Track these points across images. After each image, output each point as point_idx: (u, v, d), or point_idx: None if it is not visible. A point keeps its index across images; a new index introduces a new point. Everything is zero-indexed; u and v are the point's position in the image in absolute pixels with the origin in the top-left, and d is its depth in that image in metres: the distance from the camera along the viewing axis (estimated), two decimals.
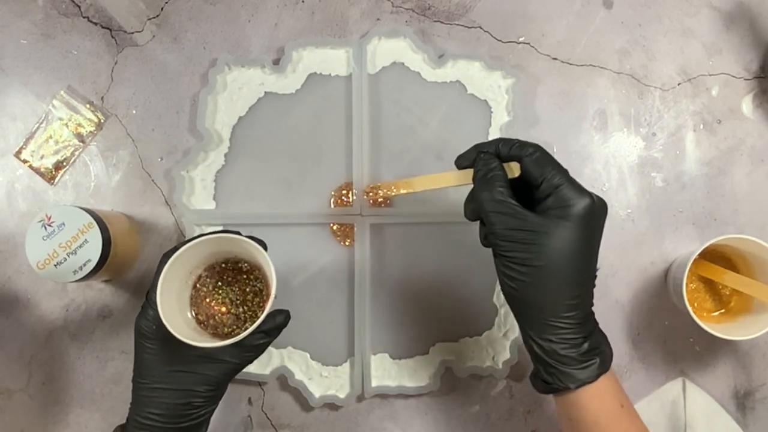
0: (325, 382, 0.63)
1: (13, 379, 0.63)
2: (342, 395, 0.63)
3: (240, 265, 0.52)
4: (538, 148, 0.46)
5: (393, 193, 0.54)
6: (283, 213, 0.64)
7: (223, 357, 0.49)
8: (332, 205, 0.64)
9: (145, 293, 0.63)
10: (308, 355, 0.64)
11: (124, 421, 0.50)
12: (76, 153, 0.65)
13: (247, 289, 0.52)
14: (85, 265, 0.56)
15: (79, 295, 0.64)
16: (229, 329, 0.51)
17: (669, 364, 0.65)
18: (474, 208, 0.47)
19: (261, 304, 0.51)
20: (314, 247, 0.64)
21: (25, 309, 0.64)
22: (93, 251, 0.56)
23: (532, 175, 0.45)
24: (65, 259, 0.56)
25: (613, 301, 0.65)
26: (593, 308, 0.46)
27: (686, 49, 0.67)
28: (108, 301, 0.64)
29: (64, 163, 0.65)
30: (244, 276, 0.52)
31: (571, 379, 0.44)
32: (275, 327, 0.49)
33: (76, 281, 0.56)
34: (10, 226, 0.64)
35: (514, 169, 0.46)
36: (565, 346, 0.44)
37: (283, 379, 0.63)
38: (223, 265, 0.51)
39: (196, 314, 0.50)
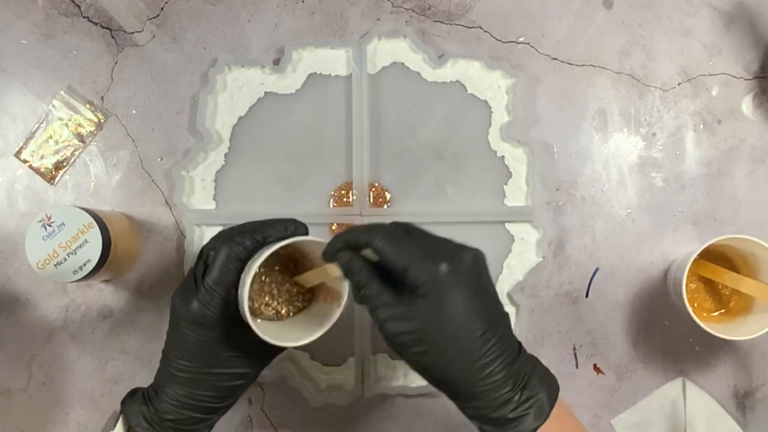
0: (325, 382, 0.63)
1: (13, 379, 0.63)
2: (342, 395, 0.63)
3: (291, 255, 0.53)
4: (379, 232, 0.44)
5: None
6: (283, 213, 0.64)
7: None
8: (332, 205, 0.64)
9: (144, 293, 0.64)
10: (308, 355, 0.64)
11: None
12: (76, 153, 0.65)
13: (289, 281, 0.53)
14: (85, 265, 0.56)
15: (79, 295, 0.64)
16: (270, 318, 0.51)
17: (669, 364, 0.65)
18: None
19: (297, 293, 0.52)
20: None
21: (25, 309, 0.64)
22: (93, 251, 0.56)
23: (385, 262, 0.43)
24: (65, 259, 0.56)
25: (613, 301, 0.65)
26: (519, 350, 0.44)
27: (686, 49, 0.67)
28: (108, 301, 0.64)
29: (64, 163, 0.65)
30: (291, 266, 0.53)
31: None
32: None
33: (76, 281, 0.56)
34: (10, 226, 0.64)
35: (372, 255, 0.45)
36: (491, 408, 0.42)
37: (283, 379, 0.63)
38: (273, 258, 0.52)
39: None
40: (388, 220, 0.63)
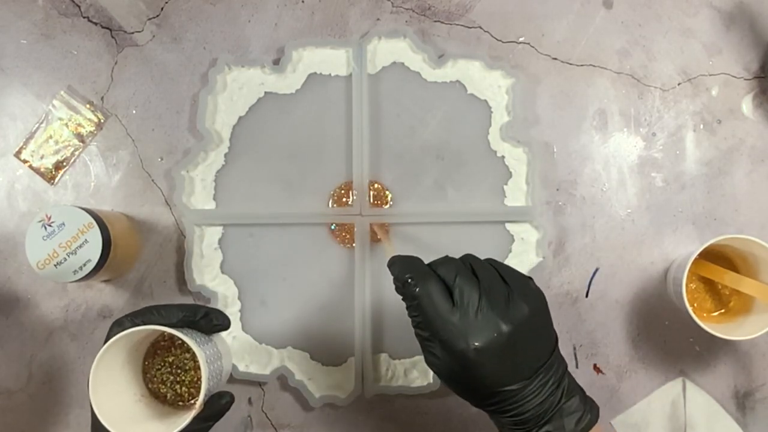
0: (325, 382, 0.63)
1: (13, 379, 0.63)
2: (342, 395, 0.63)
3: (176, 340, 0.51)
4: (414, 298, 0.44)
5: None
6: (283, 213, 0.64)
7: None
8: (332, 205, 0.64)
9: (144, 293, 0.64)
10: (308, 355, 0.64)
11: None
12: (76, 153, 0.65)
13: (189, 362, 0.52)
14: (85, 265, 0.56)
15: (79, 295, 0.64)
16: (173, 404, 0.51)
17: (669, 364, 0.65)
18: None
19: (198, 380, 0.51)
20: (314, 247, 0.64)
21: (25, 309, 0.64)
22: (93, 251, 0.56)
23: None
24: (65, 259, 0.56)
25: (613, 301, 0.65)
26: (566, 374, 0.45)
27: (686, 49, 0.67)
28: (108, 301, 0.64)
29: (64, 163, 0.65)
30: (180, 350, 0.52)
31: None
32: (217, 412, 0.47)
33: (76, 281, 0.56)
34: (10, 226, 0.64)
35: None
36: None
37: (283, 379, 0.63)
38: (163, 343, 0.51)
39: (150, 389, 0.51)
40: (388, 220, 0.64)
